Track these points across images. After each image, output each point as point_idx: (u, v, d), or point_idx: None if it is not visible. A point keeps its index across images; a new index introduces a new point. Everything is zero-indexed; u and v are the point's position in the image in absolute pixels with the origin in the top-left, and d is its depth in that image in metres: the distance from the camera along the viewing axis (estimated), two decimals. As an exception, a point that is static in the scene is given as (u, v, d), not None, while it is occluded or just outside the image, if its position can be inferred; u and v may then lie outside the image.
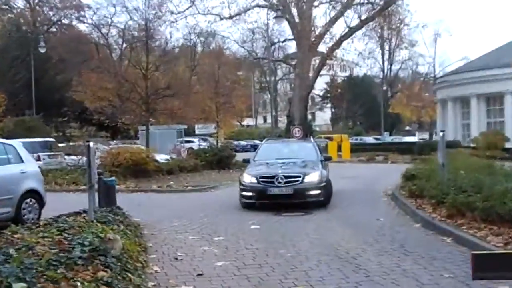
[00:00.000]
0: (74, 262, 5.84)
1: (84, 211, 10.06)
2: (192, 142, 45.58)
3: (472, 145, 37.70)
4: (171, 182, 21.65)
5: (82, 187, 19.19)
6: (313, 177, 12.75)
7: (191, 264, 8.02)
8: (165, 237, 10.14)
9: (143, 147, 27.41)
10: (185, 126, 38.88)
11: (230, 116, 36.68)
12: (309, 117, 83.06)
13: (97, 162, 15.62)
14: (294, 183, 12.47)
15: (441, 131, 12.58)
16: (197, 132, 36.97)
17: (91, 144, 9.27)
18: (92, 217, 8.90)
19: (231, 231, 10.54)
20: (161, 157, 27.05)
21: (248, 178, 12.93)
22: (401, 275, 6.91)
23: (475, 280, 2.77)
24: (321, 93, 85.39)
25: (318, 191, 12.63)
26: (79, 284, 5.01)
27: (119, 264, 6.39)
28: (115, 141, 37.43)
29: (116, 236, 7.21)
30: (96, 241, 6.64)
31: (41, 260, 5.65)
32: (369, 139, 60.83)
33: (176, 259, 8.35)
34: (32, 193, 11.26)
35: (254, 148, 59.25)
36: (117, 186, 14.70)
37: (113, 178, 12.24)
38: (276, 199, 12.37)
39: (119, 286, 5.52)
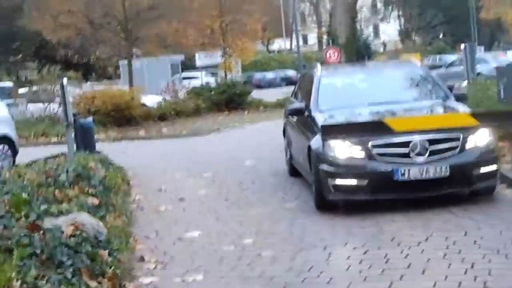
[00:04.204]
0: (61, 184, 10.01)
1: (62, 154, 14.38)
2: (195, 78, 49.59)
3: None
4: (164, 129, 25.86)
5: (53, 139, 23.64)
6: (480, 137, 9.64)
7: (174, 193, 12.22)
8: (150, 177, 14.40)
9: (126, 88, 31.55)
10: (182, 57, 42.67)
11: (243, 39, 40.26)
12: (367, 31, 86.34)
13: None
14: (447, 154, 9.45)
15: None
16: (198, 63, 40.75)
17: (65, 80, 13.48)
18: (72, 157, 13.11)
19: (223, 168, 14.69)
20: (151, 100, 31.22)
21: (344, 148, 9.62)
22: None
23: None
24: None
25: (494, 167, 9.73)
26: (71, 192, 9.16)
27: (102, 187, 10.54)
28: (89, 82, 41.56)
29: (98, 165, 11.40)
30: (79, 168, 10.81)
31: (33, 183, 9.82)
32: (453, 58, 63.29)
33: (160, 190, 12.58)
34: (4, 139, 15.53)
35: (288, 82, 63.30)
36: (96, 136, 18.93)
37: (90, 119, 16.34)
38: (415, 191, 9.53)
39: (104, 198, 9.67)
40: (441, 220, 8.66)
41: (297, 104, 12.08)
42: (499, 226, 8.24)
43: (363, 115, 10.17)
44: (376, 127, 6.34)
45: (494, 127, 9.15)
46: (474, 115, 6.86)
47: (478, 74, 26.42)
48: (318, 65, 12.70)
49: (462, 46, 16.47)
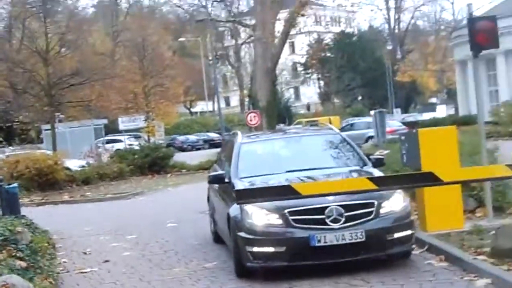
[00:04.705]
0: (-12, 249, 10.39)
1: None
2: (119, 141, 50.12)
3: (494, 119, 42.04)
4: (88, 193, 26.20)
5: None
6: (395, 202, 9.99)
7: (99, 256, 12.69)
8: (75, 240, 14.82)
9: (49, 152, 31.81)
10: (105, 121, 43.25)
11: (166, 103, 41.16)
12: (288, 94, 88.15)
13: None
14: (362, 220, 9.69)
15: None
16: (121, 127, 41.32)
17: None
18: (-2, 222, 13.45)
19: (146, 230, 15.21)
20: (74, 164, 31.52)
21: (261, 215, 9.80)
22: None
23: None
24: (303, 60, 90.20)
25: (409, 232, 10.01)
26: (1, 256, 9.58)
27: (29, 251, 10.97)
28: (11, 147, 41.56)
29: (25, 229, 11.80)
30: (7, 232, 11.20)
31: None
32: (368, 121, 65.51)
33: (85, 253, 13.04)
34: None
35: (210, 144, 64.35)
36: (20, 200, 19.19)
37: (14, 184, 16.67)
38: (331, 257, 9.63)
39: (31, 261, 10.11)
40: (349, 277, 9.36)
41: (218, 172, 12.10)
42: (401, 280, 9.00)
43: (281, 182, 9.96)
44: (284, 192, 7.03)
45: (397, 189, 9.87)
46: (375, 179, 7.61)
47: (370, 137, 27.90)
48: (239, 133, 12.85)
49: (372, 112, 17.46)
